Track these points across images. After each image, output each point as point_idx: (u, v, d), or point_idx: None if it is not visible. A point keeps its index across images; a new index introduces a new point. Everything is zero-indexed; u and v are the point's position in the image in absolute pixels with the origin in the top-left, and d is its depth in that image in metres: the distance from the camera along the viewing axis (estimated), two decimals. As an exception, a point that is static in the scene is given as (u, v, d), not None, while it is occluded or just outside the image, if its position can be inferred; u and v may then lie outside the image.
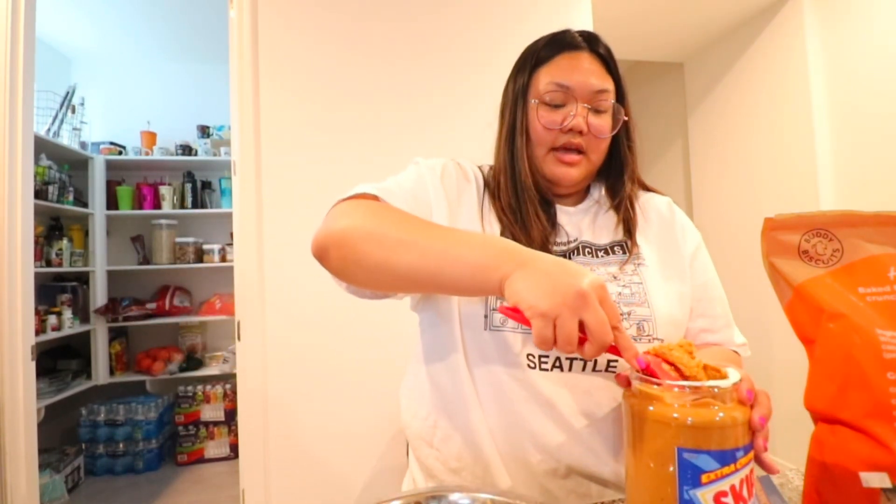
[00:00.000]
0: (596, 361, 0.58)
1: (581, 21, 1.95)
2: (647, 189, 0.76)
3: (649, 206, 0.73)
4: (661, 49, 2.76)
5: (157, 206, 2.87)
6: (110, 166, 2.82)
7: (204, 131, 3.02)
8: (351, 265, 0.54)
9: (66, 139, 2.63)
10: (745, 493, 0.33)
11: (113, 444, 2.51)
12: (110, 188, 2.82)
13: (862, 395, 0.39)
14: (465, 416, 0.61)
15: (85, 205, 2.73)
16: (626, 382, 0.43)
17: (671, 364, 0.41)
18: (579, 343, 0.41)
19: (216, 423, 2.69)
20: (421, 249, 0.49)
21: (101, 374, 2.67)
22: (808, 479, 0.43)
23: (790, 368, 2.23)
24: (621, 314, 0.60)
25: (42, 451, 1.73)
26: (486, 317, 0.60)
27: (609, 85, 0.66)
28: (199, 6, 2.57)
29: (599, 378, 0.59)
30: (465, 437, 0.61)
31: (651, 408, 0.35)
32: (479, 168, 0.74)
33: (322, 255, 0.56)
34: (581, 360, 0.58)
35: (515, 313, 0.43)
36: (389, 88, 1.70)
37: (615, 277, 0.63)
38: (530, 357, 0.59)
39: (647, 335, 0.60)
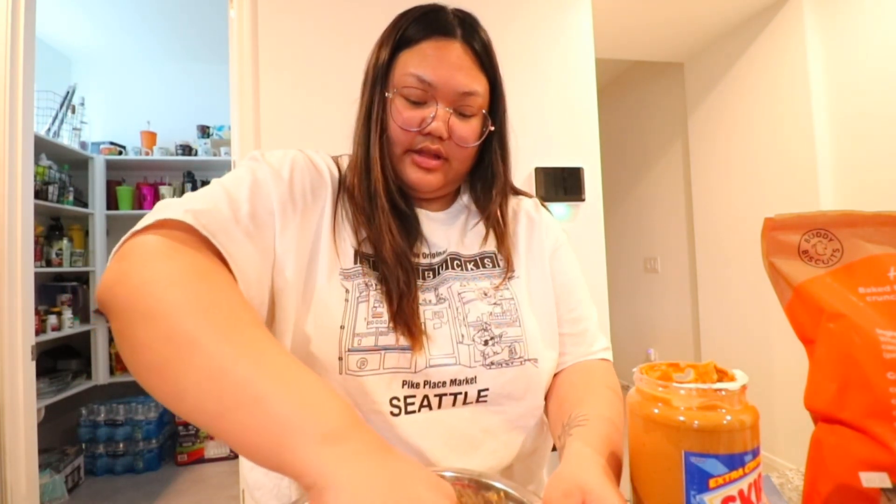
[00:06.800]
0: (466, 394, 0.54)
1: (581, 21, 1.95)
2: (517, 192, 0.70)
3: (520, 209, 0.68)
4: (661, 49, 2.76)
5: (157, 206, 2.87)
6: (110, 166, 2.82)
7: (204, 131, 3.02)
8: (126, 351, 0.37)
9: (66, 139, 2.63)
10: (753, 497, 0.33)
11: (113, 444, 2.51)
12: (110, 188, 2.82)
13: (862, 395, 0.39)
14: None
15: (85, 205, 2.73)
16: None
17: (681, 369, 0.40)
18: None
19: (216, 423, 2.69)
20: (216, 365, 0.32)
21: (101, 374, 2.67)
22: (808, 479, 0.42)
23: (790, 368, 2.24)
24: (492, 337, 0.55)
25: (42, 451, 1.73)
26: (340, 359, 0.50)
27: (479, 86, 0.57)
28: (199, 6, 2.57)
29: (468, 410, 0.54)
30: None
31: (656, 410, 0.34)
32: (337, 160, 0.63)
33: (104, 311, 0.40)
34: (451, 393, 0.53)
35: None
36: (389, 88, 1.71)
37: (486, 294, 0.58)
38: (395, 401, 0.51)
39: (520, 357, 0.55)
